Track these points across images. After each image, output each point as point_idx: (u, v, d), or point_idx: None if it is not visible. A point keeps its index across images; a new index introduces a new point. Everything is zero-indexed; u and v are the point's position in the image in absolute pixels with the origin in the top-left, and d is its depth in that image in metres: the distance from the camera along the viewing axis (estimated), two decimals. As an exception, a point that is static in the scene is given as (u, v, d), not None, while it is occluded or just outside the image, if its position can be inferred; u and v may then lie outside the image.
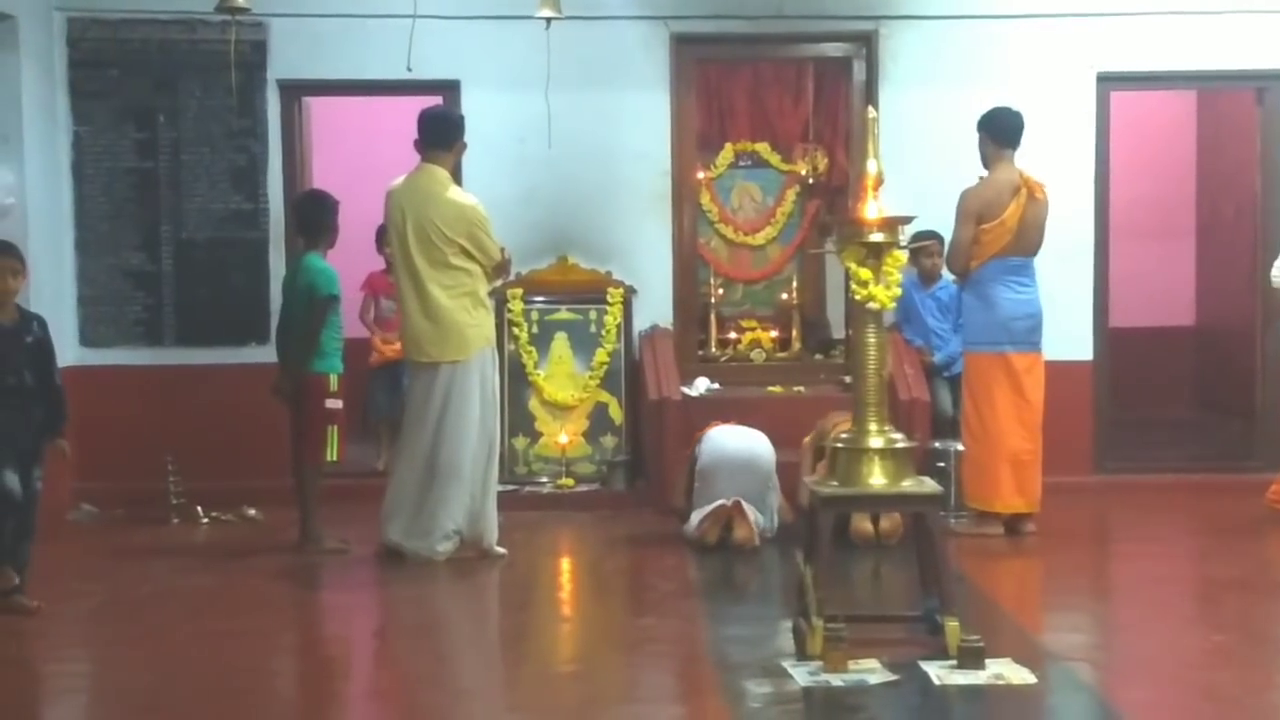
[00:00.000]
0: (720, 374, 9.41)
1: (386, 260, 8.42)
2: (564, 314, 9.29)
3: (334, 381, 7.64)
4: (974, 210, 7.83)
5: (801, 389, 9.13)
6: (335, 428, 7.65)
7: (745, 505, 7.55)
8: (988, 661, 5.37)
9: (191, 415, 8.87)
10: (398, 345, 8.27)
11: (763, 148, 10.33)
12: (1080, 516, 8.48)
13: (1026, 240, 7.87)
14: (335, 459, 7.72)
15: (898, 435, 5.69)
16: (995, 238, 7.81)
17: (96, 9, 9.07)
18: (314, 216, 7.86)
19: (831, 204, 10.11)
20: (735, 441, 7.75)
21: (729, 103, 10.41)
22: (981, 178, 7.90)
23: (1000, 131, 7.88)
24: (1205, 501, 8.80)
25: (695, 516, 7.66)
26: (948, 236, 8.25)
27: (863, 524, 7.58)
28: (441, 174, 7.46)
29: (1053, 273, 8.13)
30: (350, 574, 7.38)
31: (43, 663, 5.88)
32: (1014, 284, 7.86)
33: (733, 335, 9.83)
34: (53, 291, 8.76)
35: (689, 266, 9.58)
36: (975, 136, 7.99)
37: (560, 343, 9.27)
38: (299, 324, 7.68)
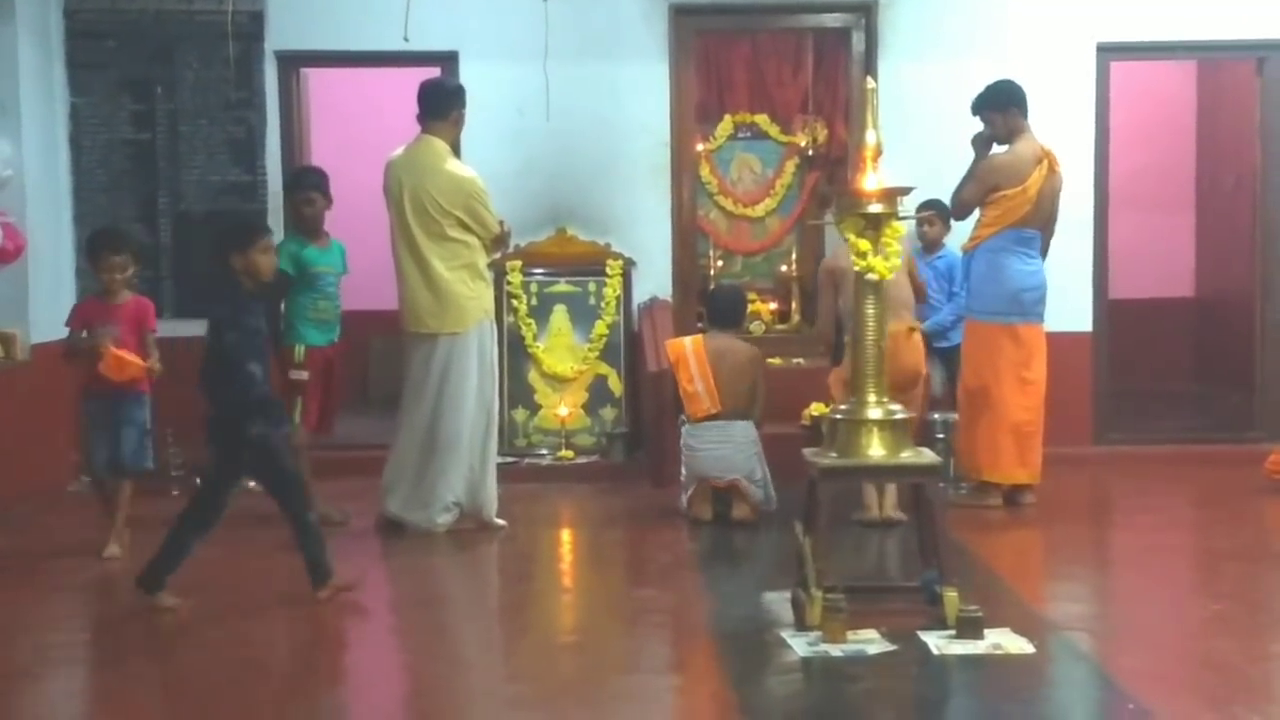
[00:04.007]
0: (719, 346, 9.41)
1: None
2: (563, 286, 9.28)
3: (299, 352, 7.63)
4: (991, 182, 7.79)
5: (800, 361, 9.13)
6: (300, 399, 7.63)
7: (744, 483, 7.54)
8: (986, 631, 5.39)
9: (190, 387, 8.82)
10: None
11: (762, 119, 10.33)
12: (1079, 487, 8.50)
13: (1042, 212, 7.85)
14: (294, 429, 7.66)
15: (896, 406, 5.70)
16: (1016, 205, 7.77)
17: (93, -21, 9.05)
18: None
19: (831, 175, 10.10)
20: (712, 450, 7.62)
21: (728, 74, 10.40)
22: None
23: (1023, 103, 7.85)
24: (1204, 472, 8.82)
25: (684, 497, 7.67)
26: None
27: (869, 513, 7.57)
28: (440, 145, 7.44)
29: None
30: (350, 546, 7.37)
31: (43, 633, 5.89)
32: (1024, 255, 7.84)
33: (732, 307, 9.81)
34: (51, 264, 8.74)
35: (688, 238, 9.58)
36: (974, 108, 7.95)
37: (559, 315, 9.27)
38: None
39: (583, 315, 9.27)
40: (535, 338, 9.23)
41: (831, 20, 9.58)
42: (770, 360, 9.18)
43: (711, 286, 9.60)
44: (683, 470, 7.76)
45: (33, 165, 8.64)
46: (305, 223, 7.73)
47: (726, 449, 7.61)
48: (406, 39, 8.52)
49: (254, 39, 9.13)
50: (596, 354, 9.23)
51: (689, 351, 7.80)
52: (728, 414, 7.70)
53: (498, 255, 8.01)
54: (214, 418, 6.15)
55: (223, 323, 6.09)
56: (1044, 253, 8.00)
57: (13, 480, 8.08)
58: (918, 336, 7.73)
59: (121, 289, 7.17)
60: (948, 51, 9.18)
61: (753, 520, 7.51)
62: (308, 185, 7.79)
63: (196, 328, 8.91)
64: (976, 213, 7.96)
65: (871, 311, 5.66)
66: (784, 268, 10.29)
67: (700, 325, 8.54)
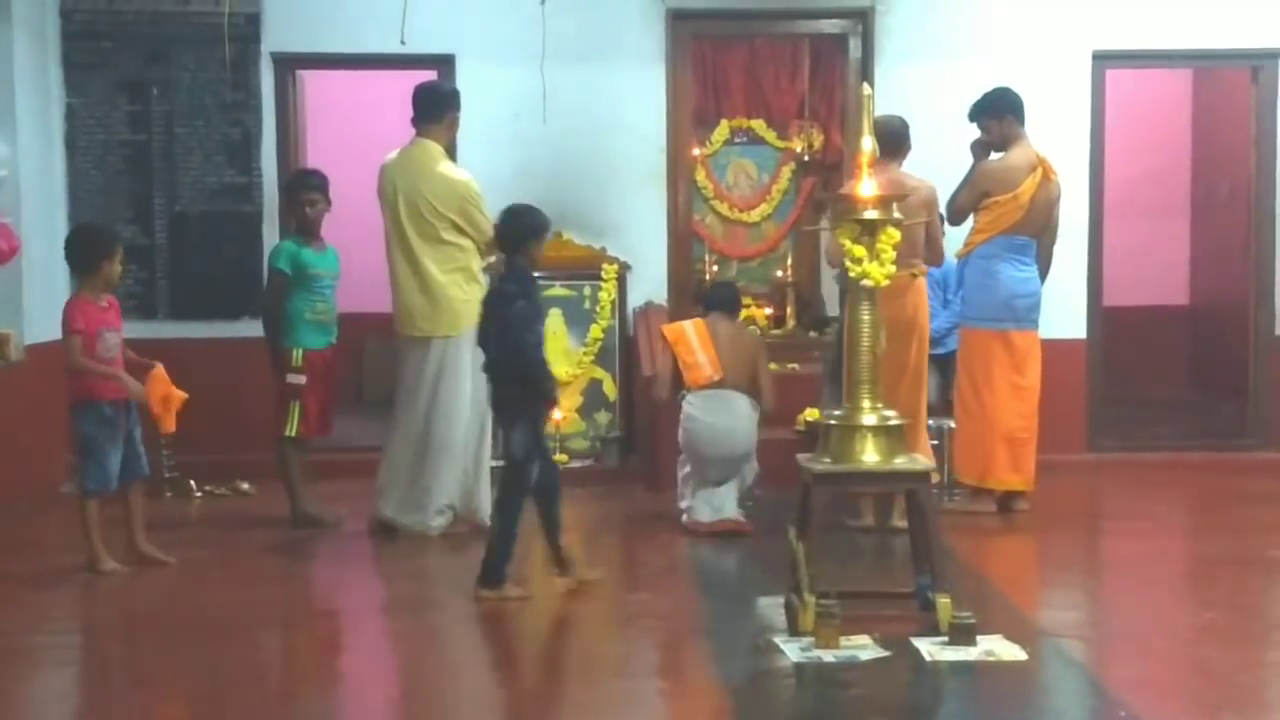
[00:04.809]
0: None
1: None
2: (558, 290, 9.27)
3: (297, 356, 7.61)
4: (983, 188, 7.82)
5: (795, 366, 9.13)
6: (296, 403, 7.61)
7: (735, 522, 7.48)
8: (979, 638, 5.38)
9: (184, 389, 8.81)
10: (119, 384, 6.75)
11: (758, 124, 10.35)
12: (1073, 495, 8.50)
13: (1034, 220, 7.85)
14: (294, 434, 7.62)
15: (890, 412, 5.69)
16: (1008, 212, 7.78)
17: (90, -20, 9.05)
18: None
19: (826, 181, 10.12)
20: (713, 422, 7.60)
21: (724, 79, 10.42)
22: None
23: (1019, 111, 7.86)
24: (1198, 480, 8.83)
25: (685, 501, 7.63)
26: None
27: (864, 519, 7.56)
28: (434, 148, 7.44)
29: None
30: (343, 548, 7.39)
31: (34, 635, 5.87)
32: (1017, 262, 7.84)
33: (727, 312, 9.81)
34: (45, 264, 8.72)
35: (684, 243, 9.57)
36: (971, 115, 7.97)
37: (554, 319, 9.24)
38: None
39: (578, 319, 9.26)
40: (530, 341, 9.21)
41: (828, 26, 9.60)
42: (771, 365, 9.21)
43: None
44: (679, 472, 7.71)
45: (28, 166, 8.63)
46: (306, 224, 7.73)
47: (729, 420, 7.57)
48: (403, 42, 8.53)
49: (250, 41, 9.13)
50: (591, 358, 9.23)
51: (689, 329, 7.80)
52: (729, 384, 7.65)
53: (492, 259, 8.00)
54: (502, 397, 6.35)
55: (513, 294, 6.33)
56: (1046, 262, 8.00)
57: (5, 480, 8.07)
58: (920, 282, 7.52)
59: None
60: (944, 58, 9.19)
61: (747, 532, 7.48)
62: (310, 186, 7.78)
63: (192, 329, 9.06)
64: (971, 219, 7.98)
65: (866, 318, 5.65)
66: (779, 273, 10.29)
67: (699, 313, 8.47)
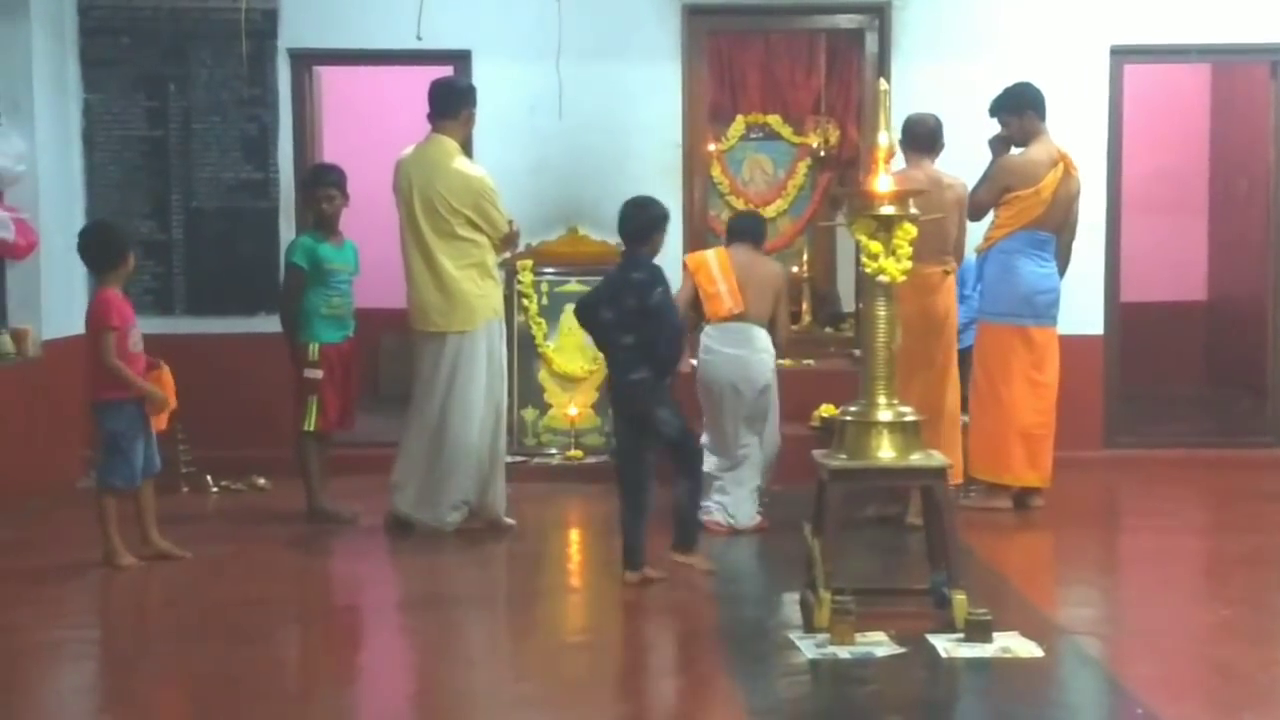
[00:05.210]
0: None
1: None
2: (574, 286, 9.26)
3: (313, 350, 7.63)
4: (1004, 183, 7.80)
5: (811, 362, 9.11)
6: (314, 398, 7.62)
7: (761, 519, 7.50)
8: (995, 635, 5.38)
9: (201, 384, 8.84)
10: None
11: (774, 120, 10.32)
12: (1089, 491, 8.47)
13: (1055, 216, 7.83)
14: (312, 428, 7.64)
15: (906, 408, 5.68)
16: (1029, 207, 7.76)
17: (107, -24, 9.08)
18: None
19: (843, 176, 10.10)
20: (733, 353, 7.51)
21: (741, 74, 10.40)
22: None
23: (1040, 106, 7.84)
24: (1215, 477, 8.80)
25: (702, 499, 7.60)
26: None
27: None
28: (449, 144, 7.45)
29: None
30: (359, 544, 7.40)
31: (52, 630, 5.89)
32: (1038, 258, 7.82)
33: (743, 307, 9.80)
34: (63, 260, 8.74)
35: (699, 238, 9.55)
36: (987, 108, 7.95)
37: (570, 314, 9.24)
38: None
39: (593, 315, 9.24)
40: (545, 337, 9.23)
41: (845, 21, 9.57)
42: (781, 361, 9.18)
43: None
44: (701, 404, 7.62)
45: (46, 161, 8.65)
46: (324, 219, 7.75)
47: (747, 350, 7.50)
48: (419, 38, 8.54)
49: (267, 36, 9.14)
50: (607, 353, 9.22)
51: (710, 258, 7.72)
52: (750, 317, 7.57)
53: (507, 254, 8.02)
54: (632, 382, 6.45)
55: (645, 283, 6.42)
56: (1065, 259, 7.98)
57: (24, 475, 8.10)
58: (951, 280, 7.57)
59: None
60: (961, 53, 9.16)
61: (764, 529, 7.48)
62: (328, 182, 7.80)
63: (208, 324, 9.08)
64: (991, 214, 7.96)
65: (882, 314, 5.65)
66: (795, 269, 10.27)
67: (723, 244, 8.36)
